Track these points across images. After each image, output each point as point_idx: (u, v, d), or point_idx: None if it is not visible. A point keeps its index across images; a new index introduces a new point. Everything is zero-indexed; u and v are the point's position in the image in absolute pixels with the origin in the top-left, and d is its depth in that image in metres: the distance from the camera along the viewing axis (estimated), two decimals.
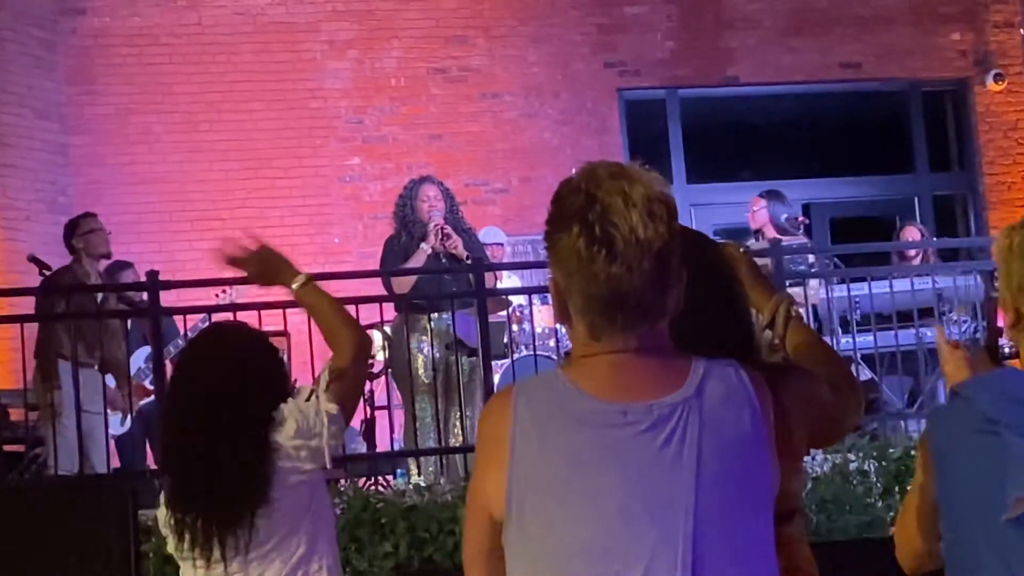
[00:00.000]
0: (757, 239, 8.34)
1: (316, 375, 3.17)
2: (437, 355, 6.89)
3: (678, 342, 1.98)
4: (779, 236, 8.14)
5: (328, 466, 3.05)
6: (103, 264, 7.83)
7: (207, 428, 2.97)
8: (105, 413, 6.90)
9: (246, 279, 3.32)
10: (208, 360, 3.07)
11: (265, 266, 3.22)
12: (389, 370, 7.06)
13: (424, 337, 6.86)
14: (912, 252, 8.82)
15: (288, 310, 6.45)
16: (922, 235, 9.34)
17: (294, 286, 3.18)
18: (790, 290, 7.20)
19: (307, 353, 5.94)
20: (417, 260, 6.96)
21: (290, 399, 3.05)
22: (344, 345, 3.12)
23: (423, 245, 6.98)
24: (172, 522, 3.00)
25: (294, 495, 2.98)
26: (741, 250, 2.62)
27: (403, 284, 6.97)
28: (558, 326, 7.29)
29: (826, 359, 2.49)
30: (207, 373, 3.03)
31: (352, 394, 3.17)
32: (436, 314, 6.85)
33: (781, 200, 8.52)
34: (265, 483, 2.93)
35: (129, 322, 7.54)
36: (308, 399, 3.03)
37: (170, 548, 3.09)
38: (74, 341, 6.53)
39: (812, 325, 7.12)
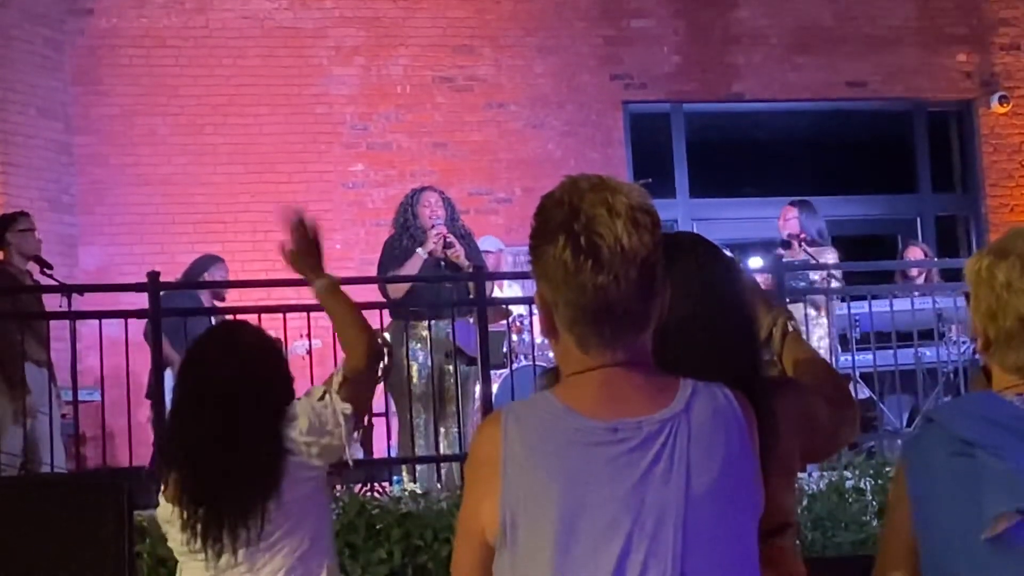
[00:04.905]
0: (786, 248, 8.35)
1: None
2: (431, 363, 6.88)
3: (684, 352, 1.98)
4: (810, 246, 8.22)
5: (349, 462, 3.09)
6: (30, 265, 7.55)
7: (219, 421, 3.00)
8: (51, 412, 6.67)
9: (282, 255, 3.21)
10: (220, 354, 3.12)
11: (302, 254, 3.18)
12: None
13: (418, 345, 6.86)
14: (915, 272, 8.82)
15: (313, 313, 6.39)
16: (925, 255, 9.33)
17: (317, 285, 3.18)
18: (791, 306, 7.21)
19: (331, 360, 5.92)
20: (413, 265, 6.95)
21: (303, 398, 3.09)
22: (357, 350, 3.14)
23: (419, 250, 6.97)
24: (181, 516, 3.01)
25: (301, 490, 3.03)
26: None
27: (398, 288, 6.97)
28: None
29: (823, 375, 2.50)
30: (219, 367, 3.07)
31: (362, 398, 3.19)
32: (435, 321, 6.84)
33: (812, 210, 8.56)
34: (277, 474, 2.98)
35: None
36: (321, 398, 3.06)
37: (172, 544, 3.10)
38: (22, 338, 6.36)
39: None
